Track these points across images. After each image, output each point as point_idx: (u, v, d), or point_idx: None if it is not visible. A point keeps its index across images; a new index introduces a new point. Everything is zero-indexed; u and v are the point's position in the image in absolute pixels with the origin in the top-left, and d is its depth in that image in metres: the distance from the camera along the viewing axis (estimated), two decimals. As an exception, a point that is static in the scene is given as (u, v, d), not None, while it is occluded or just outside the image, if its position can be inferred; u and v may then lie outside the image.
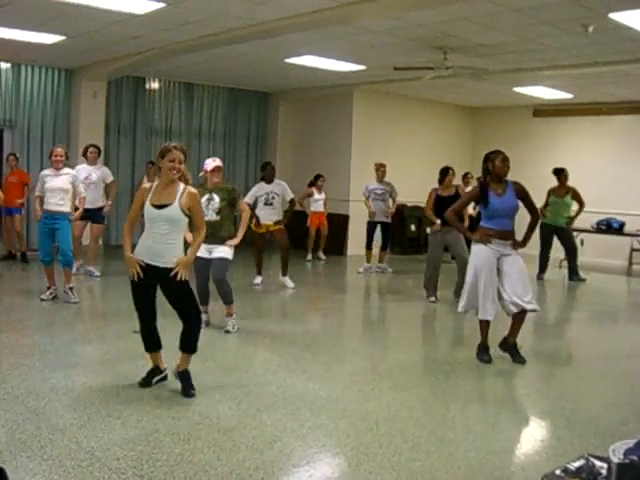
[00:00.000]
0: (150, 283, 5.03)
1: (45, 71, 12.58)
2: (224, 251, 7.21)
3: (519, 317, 6.27)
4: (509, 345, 6.36)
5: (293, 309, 9.23)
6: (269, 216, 9.83)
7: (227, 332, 7.25)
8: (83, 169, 10.02)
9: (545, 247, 11.83)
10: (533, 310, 6.28)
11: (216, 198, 7.16)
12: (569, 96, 13.60)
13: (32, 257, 11.11)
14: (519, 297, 6.12)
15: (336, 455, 4.17)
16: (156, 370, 5.30)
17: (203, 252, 7.18)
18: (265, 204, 9.83)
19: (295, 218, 10.46)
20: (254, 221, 9.84)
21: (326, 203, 13.55)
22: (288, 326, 8.10)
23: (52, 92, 12.71)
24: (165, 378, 5.34)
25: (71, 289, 8.32)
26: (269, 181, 9.93)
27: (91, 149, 10.30)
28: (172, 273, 4.92)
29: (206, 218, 6.69)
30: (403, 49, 9.89)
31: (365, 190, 11.87)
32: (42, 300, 8.30)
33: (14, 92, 12.31)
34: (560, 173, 11.71)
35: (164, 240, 4.94)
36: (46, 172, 8.47)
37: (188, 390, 5.07)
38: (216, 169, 7.20)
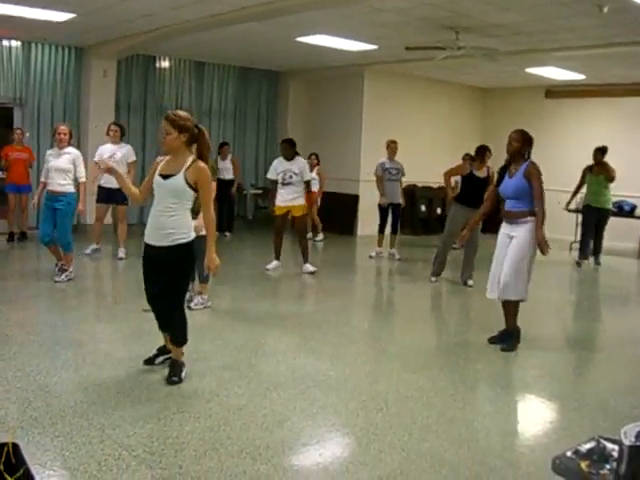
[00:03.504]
0: (155, 267, 4.86)
1: (55, 49, 12.51)
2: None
3: (504, 304, 6.25)
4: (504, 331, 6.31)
5: (302, 290, 9.23)
6: (288, 195, 9.46)
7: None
8: (106, 148, 9.87)
9: (586, 230, 11.50)
10: (502, 298, 6.14)
11: None
12: (581, 77, 13.48)
13: (31, 235, 11.13)
14: (500, 283, 6.07)
15: (346, 435, 4.19)
16: (163, 349, 5.21)
17: None
18: (282, 183, 9.48)
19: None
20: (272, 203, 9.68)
21: (320, 183, 13.06)
22: (298, 307, 8.12)
23: (62, 70, 12.65)
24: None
25: (64, 270, 8.23)
26: (288, 158, 9.54)
27: (112, 127, 10.05)
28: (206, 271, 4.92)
29: None
30: (415, 29, 9.81)
31: (380, 168, 11.16)
32: (56, 282, 8.12)
33: (24, 70, 12.24)
34: (598, 152, 11.31)
35: (168, 213, 4.74)
36: (50, 151, 8.35)
37: (170, 377, 4.90)
38: None
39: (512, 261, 6.01)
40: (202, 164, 4.77)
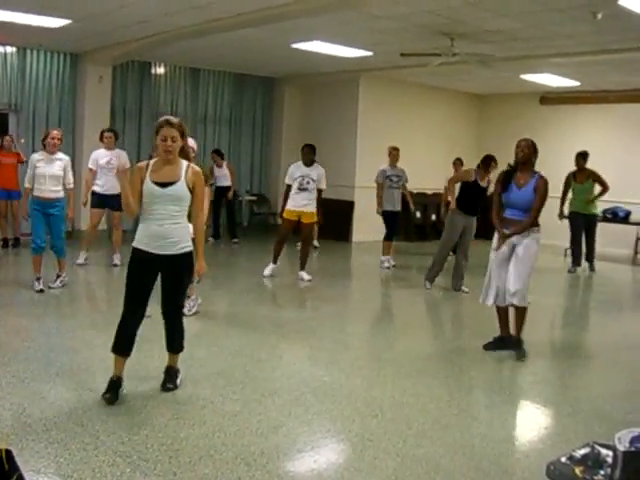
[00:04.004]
0: (151, 275, 4.67)
1: (51, 55, 12.52)
2: None
3: (515, 310, 6.23)
4: (512, 339, 6.27)
5: (298, 296, 9.22)
6: (302, 201, 9.31)
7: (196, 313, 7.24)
8: (102, 154, 9.72)
9: (575, 237, 11.50)
10: (515, 305, 6.11)
11: None
12: (576, 84, 13.51)
13: (24, 242, 11.01)
14: (507, 288, 6.07)
15: (341, 441, 4.18)
16: (119, 381, 4.65)
17: None
18: (299, 188, 9.31)
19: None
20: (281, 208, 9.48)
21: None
22: (293, 313, 8.11)
23: (57, 77, 12.65)
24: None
25: (59, 276, 8.19)
26: (307, 164, 9.44)
27: (106, 134, 9.85)
28: (195, 276, 4.79)
29: None
30: (410, 35, 9.83)
31: (381, 175, 10.88)
32: (38, 292, 7.89)
33: (19, 76, 12.24)
34: (580, 157, 11.26)
35: (171, 222, 4.56)
36: (37, 156, 8.02)
37: (165, 384, 4.86)
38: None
39: (523, 270, 6.02)
40: (197, 167, 4.72)
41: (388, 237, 11.19)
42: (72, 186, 8.22)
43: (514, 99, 15.85)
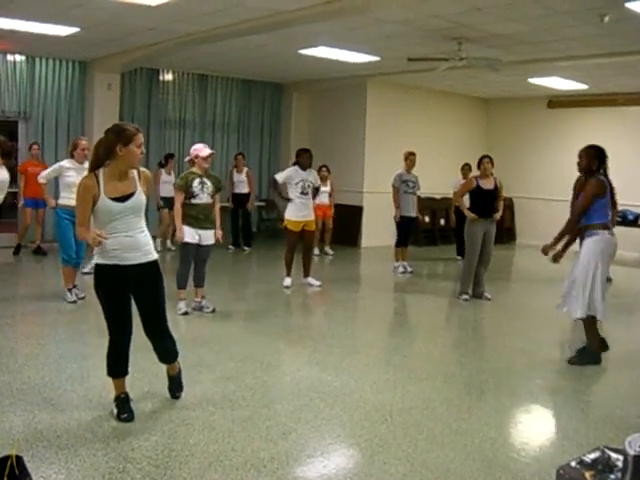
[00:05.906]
0: (126, 289, 4.39)
1: (59, 63, 12.59)
2: (212, 238, 7.48)
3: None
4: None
5: (307, 302, 9.22)
6: (304, 211, 9.22)
7: (214, 311, 7.59)
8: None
9: None
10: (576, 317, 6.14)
11: (208, 182, 7.39)
12: (584, 87, 13.50)
13: (48, 249, 11.14)
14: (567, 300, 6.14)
15: (350, 446, 4.18)
16: (127, 397, 4.53)
17: (195, 237, 7.31)
18: (302, 193, 9.19)
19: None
20: (285, 217, 9.35)
21: (332, 195, 12.83)
22: (302, 318, 8.12)
23: (66, 84, 12.72)
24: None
25: (75, 286, 8.06)
26: (305, 168, 9.35)
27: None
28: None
29: (202, 201, 7.29)
30: (417, 40, 9.84)
31: (398, 180, 10.79)
32: (72, 302, 7.78)
33: (29, 84, 12.31)
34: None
35: (137, 230, 4.32)
36: (67, 165, 7.98)
37: (174, 392, 4.83)
38: (211, 156, 7.47)
39: (573, 278, 6.06)
40: (144, 168, 4.53)
41: (401, 243, 11.12)
42: None
43: (522, 103, 15.82)
